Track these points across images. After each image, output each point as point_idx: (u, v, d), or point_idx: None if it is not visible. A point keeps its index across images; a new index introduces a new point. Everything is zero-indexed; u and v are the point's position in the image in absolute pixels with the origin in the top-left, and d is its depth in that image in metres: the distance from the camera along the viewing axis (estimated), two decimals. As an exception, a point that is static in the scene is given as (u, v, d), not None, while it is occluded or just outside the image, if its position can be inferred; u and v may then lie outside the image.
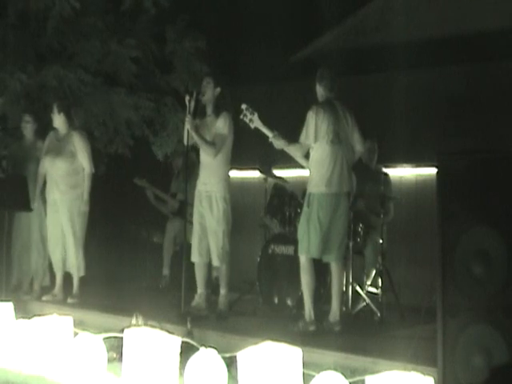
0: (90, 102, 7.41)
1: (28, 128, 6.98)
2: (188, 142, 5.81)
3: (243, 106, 5.56)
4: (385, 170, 6.63)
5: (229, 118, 5.90)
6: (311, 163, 5.42)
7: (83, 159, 6.61)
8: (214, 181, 5.92)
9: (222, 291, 5.95)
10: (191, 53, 7.72)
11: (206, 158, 5.96)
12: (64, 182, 6.60)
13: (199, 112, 5.98)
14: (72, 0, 6.88)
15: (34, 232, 6.92)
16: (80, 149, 6.61)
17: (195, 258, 5.95)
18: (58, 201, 6.61)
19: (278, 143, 5.49)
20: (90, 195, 6.61)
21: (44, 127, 6.93)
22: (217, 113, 5.94)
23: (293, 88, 8.13)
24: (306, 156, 5.50)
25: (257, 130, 5.55)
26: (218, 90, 5.95)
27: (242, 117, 5.56)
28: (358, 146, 5.52)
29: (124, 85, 7.61)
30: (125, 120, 7.65)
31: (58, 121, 6.66)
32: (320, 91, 5.49)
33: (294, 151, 5.49)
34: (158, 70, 7.84)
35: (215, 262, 5.93)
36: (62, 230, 6.63)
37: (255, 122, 5.53)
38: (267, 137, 5.53)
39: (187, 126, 5.82)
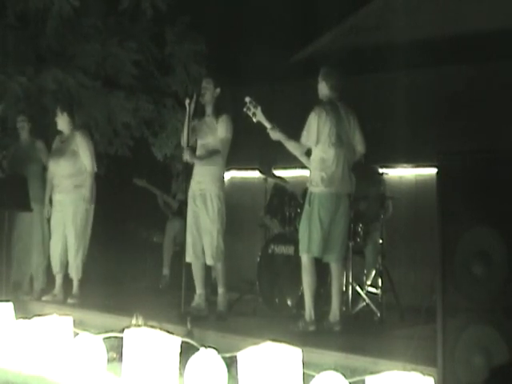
0: (89, 105, 7.41)
1: (24, 128, 7.00)
2: (188, 142, 5.81)
3: (247, 99, 5.52)
4: (381, 170, 6.61)
5: (229, 121, 5.90)
6: (313, 163, 5.42)
7: (85, 158, 6.63)
8: (208, 179, 5.90)
9: (220, 290, 5.95)
10: (190, 55, 7.73)
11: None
12: (68, 182, 6.63)
13: (198, 112, 5.98)
14: None
15: (36, 233, 6.93)
16: (82, 148, 6.63)
17: (190, 258, 5.92)
18: (63, 201, 6.64)
19: (276, 135, 5.48)
20: (91, 193, 6.62)
21: (42, 128, 6.95)
22: (216, 114, 5.94)
23: (293, 88, 8.13)
24: (307, 154, 5.50)
25: (259, 124, 5.53)
26: (218, 90, 5.96)
27: (245, 110, 5.52)
28: (360, 147, 5.53)
29: (124, 87, 7.61)
30: (124, 123, 7.66)
31: (62, 122, 6.70)
32: (323, 90, 5.47)
33: (292, 148, 5.49)
34: (158, 72, 7.84)
35: (209, 261, 5.92)
36: (64, 231, 6.64)
37: (258, 115, 5.50)
38: (268, 135, 5.53)
39: (186, 158, 5.81)
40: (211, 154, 5.88)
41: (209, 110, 6.00)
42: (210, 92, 5.95)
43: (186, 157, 5.82)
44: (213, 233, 5.86)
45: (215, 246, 5.85)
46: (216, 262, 5.89)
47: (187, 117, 5.81)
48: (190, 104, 5.80)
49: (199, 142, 6.00)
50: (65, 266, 6.69)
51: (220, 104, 5.97)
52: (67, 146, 6.66)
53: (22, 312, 5.42)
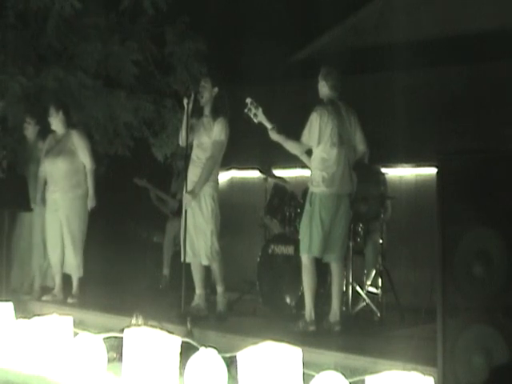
0: (90, 104, 7.41)
1: (30, 129, 7.02)
2: (187, 141, 5.80)
3: (248, 100, 5.51)
4: (383, 169, 6.62)
5: (225, 124, 5.88)
6: (313, 163, 5.41)
7: (84, 156, 6.63)
8: None
9: (219, 289, 5.94)
10: (191, 55, 7.73)
11: (198, 157, 5.94)
12: (65, 181, 6.60)
13: (197, 111, 5.96)
14: None
15: (36, 233, 6.92)
16: (80, 146, 6.63)
17: (189, 258, 5.89)
18: (59, 201, 6.61)
19: (275, 136, 5.48)
20: (86, 191, 6.61)
21: (45, 129, 6.94)
22: (214, 116, 5.90)
23: (293, 88, 8.14)
24: (308, 153, 5.49)
25: (259, 124, 5.52)
26: (216, 89, 5.94)
27: (246, 111, 5.50)
28: (361, 145, 5.53)
29: (124, 87, 7.61)
30: (125, 123, 7.66)
31: (56, 121, 6.68)
32: (324, 90, 5.46)
33: (292, 148, 5.48)
34: (158, 72, 7.84)
35: (204, 262, 5.90)
36: (60, 231, 6.63)
37: (259, 116, 5.49)
38: (268, 135, 5.52)
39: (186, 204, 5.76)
40: (205, 174, 5.85)
41: (207, 110, 5.98)
42: (207, 91, 5.92)
43: (187, 203, 5.77)
44: (207, 233, 5.85)
45: (209, 246, 5.84)
46: (211, 262, 5.88)
47: (185, 116, 5.80)
48: (188, 103, 5.79)
49: (195, 142, 5.99)
50: (64, 265, 6.67)
51: (218, 105, 5.94)
52: (63, 146, 6.64)
53: (22, 312, 5.43)
